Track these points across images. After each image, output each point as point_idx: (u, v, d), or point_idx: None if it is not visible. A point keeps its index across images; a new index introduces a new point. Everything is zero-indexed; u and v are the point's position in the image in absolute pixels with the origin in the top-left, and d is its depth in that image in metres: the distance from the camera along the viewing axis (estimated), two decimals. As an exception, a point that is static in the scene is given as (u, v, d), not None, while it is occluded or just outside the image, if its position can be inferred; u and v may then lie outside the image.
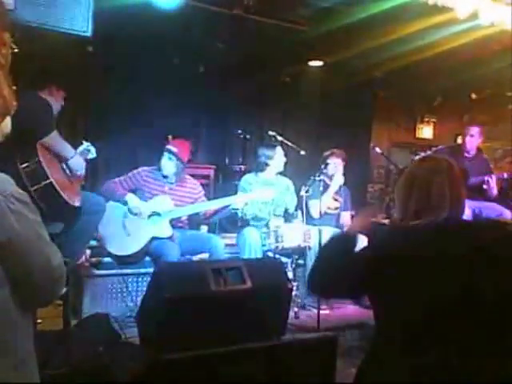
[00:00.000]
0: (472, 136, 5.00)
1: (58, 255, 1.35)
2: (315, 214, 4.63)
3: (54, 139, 3.18)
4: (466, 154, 5.04)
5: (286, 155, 4.73)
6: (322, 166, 4.66)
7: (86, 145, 3.50)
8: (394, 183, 6.84)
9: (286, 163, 4.74)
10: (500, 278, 1.56)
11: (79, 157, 3.37)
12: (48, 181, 2.97)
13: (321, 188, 4.62)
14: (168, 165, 4.13)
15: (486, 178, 4.82)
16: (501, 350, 1.57)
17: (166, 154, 4.14)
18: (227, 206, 4.08)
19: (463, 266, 1.56)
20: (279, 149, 4.68)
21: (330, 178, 4.82)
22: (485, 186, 4.82)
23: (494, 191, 4.83)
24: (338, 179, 4.77)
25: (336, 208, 4.87)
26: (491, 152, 6.23)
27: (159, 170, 4.17)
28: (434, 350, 1.54)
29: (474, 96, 6.99)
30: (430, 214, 1.64)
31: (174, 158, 4.12)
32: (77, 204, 3.20)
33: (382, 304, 1.67)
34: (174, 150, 4.14)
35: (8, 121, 1.32)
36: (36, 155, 2.99)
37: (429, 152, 5.27)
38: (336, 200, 4.87)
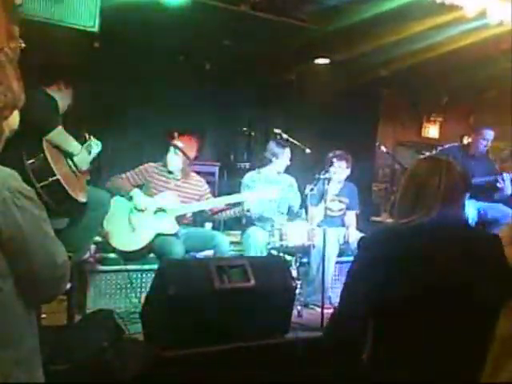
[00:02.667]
0: (487, 140, 4.95)
1: (63, 252, 1.35)
2: (314, 221, 4.45)
3: (60, 135, 3.18)
4: (473, 155, 5.01)
5: (290, 156, 4.70)
6: (326, 167, 4.56)
7: (91, 139, 3.50)
8: (399, 183, 6.80)
9: (288, 165, 4.70)
10: (483, 279, 1.59)
11: (85, 152, 3.38)
12: (55, 177, 2.97)
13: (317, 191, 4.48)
14: (174, 160, 4.13)
15: (499, 177, 4.76)
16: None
17: (171, 148, 4.13)
18: (236, 204, 4.07)
19: (445, 266, 1.59)
20: (287, 150, 4.64)
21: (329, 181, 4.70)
22: (499, 185, 4.76)
23: (509, 190, 4.77)
24: (333, 187, 4.63)
25: (340, 209, 4.82)
26: (497, 152, 6.20)
27: (165, 166, 4.17)
28: (424, 349, 1.57)
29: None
30: (420, 212, 1.67)
31: (180, 154, 4.12)
32: (83, 199, 3.21)
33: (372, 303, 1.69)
34: (181, 145, 4.14)
35: (16, 116, 1.32)
36: (42, 151, 3.00)
37: (434, 152, 5.25)
38: (341, 202, 4.82)
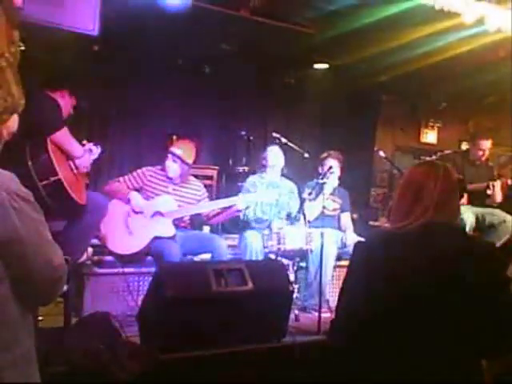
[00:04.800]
0: (484, 150, 5.00)
1: (60, 255, 1.35)
2: (310, 216, 4.50)
3: (65, 136, 3.21)
4: (472, 161, 5.03)
5: (284, 154, 4.71)
6: (325, 169, 4.61)
7: (88, 145, 3.52)
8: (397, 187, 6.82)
9: (285, 164, 4.73)
10: (475, 283, 1.59)
11: (87, 155, 3.40)
12: (57, 177, 2.99)
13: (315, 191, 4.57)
14: (172, 167, 4.14)
15: (490, 183, 4.81)
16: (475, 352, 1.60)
17: (170, 156, 4.14)
18: (230, 207, 4.08)
19: (437, 270, 1.59)
20: (272, 148, 4.69)
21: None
22: (489, 192, 4.81)
23: (498, 197, 4.82)
24: (332, 182, 4.71)
25: (335, 209, 4.85)
26: (494, 158, 6.22)
27: (163, 170, 4.18)
28: (416, 351, 1.57)
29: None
30: (414, 216, 1.68)
31: (178, 161, 4.13)
32: (82, 202, 3.22)
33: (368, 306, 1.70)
34: (178, 152, 4.14)
35: (15, 120, 1.32)
36: (46, 151, 3.02)
37: (434, 157, 5.27)
38: (335, 201, 4.85)
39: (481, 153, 4.99)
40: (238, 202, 4.07)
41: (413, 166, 1.88)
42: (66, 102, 3.40)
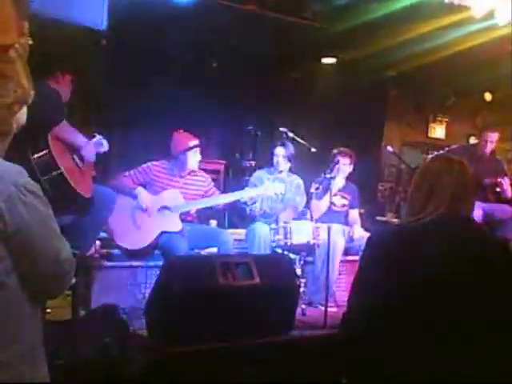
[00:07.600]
0: (491, 142, 4.96)
1: (67, 248, 1.35)
2: (314, 214, 4.44)
3: (64, 128, 3.18)
4: (481, 156, 5.00)
5: (288, 157, 4.70)
6: (332, 166, 4.59)
7: (98, 138, 3.51)
8: (404, 182, 6.80)
9: (292, 161, 4.74)
10: (489, 279, 1.58)
11: (91, 145, 3.37)
12: (59, 171, 2.98)
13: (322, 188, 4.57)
14: (196, 159, 4.20)
15: (498, 180, 4.78)
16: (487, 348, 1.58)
17: (192, 151, 4.16)
18: (237, 201, 4.08)
19: (451, 264, 1.59)
20: (278, 149, 4.69)
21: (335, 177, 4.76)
22: (498, 189, 4.78)
23: (508, 193, 4.79)
24: (338, 182, 4.70)
25: (343, 205, 4.83)
26: (503, 153, 6.18)
27: (168, 163, 4.19)
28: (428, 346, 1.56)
29: (488, 97, 6.95)
30: (429, 210, 1.67)
31: (198, 151, 4.18)
32: (87, 195, 3.22)
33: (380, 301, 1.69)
34: (196, 142, 4.17)
35: (24, 112, 1.32)
36: (47, 145, 3.01)
37: (441, 151, 5.24)
38: (344, 198, 4.84)
39: (488, 145, 4.95)
40: (246, 195, 4.08)
41: (428, 160, 1.87)
42: (62, 85, 3.35)
